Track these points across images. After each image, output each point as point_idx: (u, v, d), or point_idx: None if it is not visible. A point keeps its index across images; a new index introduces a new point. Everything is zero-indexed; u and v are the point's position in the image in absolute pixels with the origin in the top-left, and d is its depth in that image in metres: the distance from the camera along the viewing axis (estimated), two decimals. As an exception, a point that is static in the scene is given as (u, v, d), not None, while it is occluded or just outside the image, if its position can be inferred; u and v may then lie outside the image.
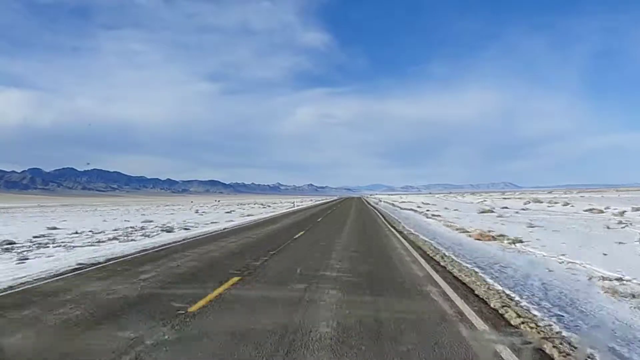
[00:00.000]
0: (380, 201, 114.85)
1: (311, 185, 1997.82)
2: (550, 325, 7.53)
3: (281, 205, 76.65)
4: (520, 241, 18.11)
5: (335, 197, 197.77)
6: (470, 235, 19.57)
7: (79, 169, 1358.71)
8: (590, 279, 11.32)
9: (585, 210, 38.68)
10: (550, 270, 12.44)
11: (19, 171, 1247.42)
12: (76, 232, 26.75)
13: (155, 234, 24.82)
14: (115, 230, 28.08)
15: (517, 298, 9.32)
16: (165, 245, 19.19)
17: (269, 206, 72.88)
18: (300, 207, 68.16)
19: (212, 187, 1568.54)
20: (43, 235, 25.14)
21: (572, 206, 44.58)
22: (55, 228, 30.67)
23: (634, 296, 9.51)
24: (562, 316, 8.12)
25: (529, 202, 59.83)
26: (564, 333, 7.13)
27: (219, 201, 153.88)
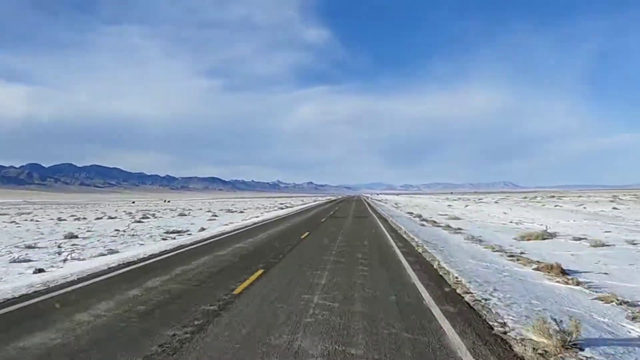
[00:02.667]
0: (386, 202, 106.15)
1: (311, 183, 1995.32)
2: None
3: (247, 215, 70.01)
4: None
5: (332, 198, 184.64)
6: None
7: (78, 165, 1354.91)
8: None
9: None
10: None
11: (17, 166, 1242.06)
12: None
13: None
14: None
15: None
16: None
17: (233, 211, 66.09)
18: (260, 220, 52.91)
19: (212, 184, 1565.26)
20: None
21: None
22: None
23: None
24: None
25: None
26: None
27: (168, 201, 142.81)
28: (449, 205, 58.35)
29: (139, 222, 36.59)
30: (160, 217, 44.45)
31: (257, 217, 39.26)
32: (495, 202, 66.15)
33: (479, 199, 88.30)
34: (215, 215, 43.14)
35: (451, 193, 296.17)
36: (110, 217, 44.33)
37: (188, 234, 24.87)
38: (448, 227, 27.41)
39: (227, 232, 25.75)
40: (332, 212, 44.12)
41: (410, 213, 41.55)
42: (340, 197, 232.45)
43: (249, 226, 29.93)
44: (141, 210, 61.85)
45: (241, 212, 50.70)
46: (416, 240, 20.07)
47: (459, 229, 26.16)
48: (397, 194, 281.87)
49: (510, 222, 30.68)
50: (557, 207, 47.12)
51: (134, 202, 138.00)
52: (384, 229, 26.71)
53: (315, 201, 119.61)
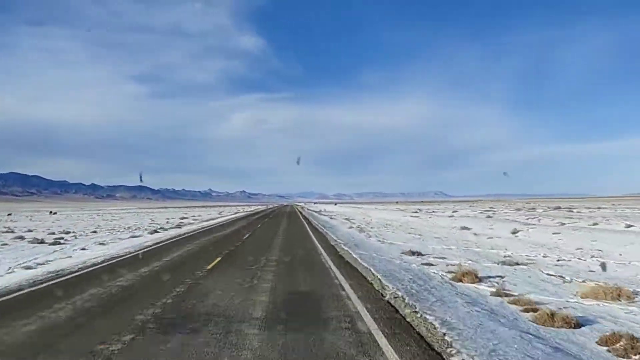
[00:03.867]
0: (331, 215, 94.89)
1: (244, 192, 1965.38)
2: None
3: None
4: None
5: (259, 208, 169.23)
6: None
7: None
8: None
9: None
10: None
11: None
12: None
13: None
14: None
15: None
16: None
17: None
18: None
19: (140, 192, 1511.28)
20: None
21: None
22: None
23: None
24: None
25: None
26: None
27: (54, 213, 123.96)
28: (385, 220, 50.00)
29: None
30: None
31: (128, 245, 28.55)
32: (453, 213, 58.24)
33: (432, 211, 79.95)
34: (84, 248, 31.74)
35: (397, 202, 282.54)
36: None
37: None
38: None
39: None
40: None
41: (353, 226, 32.85)
42: (271, 206, 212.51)
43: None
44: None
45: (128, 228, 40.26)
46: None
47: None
48: (335, 203, 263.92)
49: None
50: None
51: (53, 213, 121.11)
52: None
53: (235, 213, 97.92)
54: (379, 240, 26.16)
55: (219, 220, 58.40)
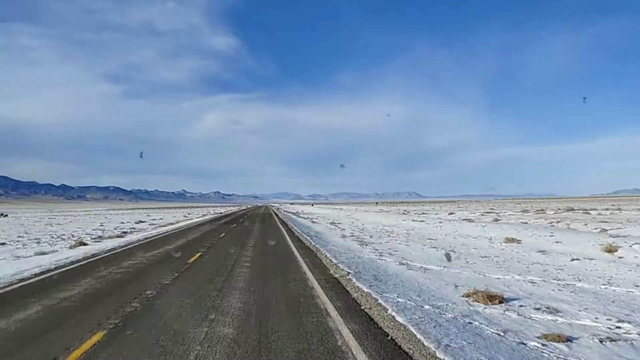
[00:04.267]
0: (312, 219, 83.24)
1: (218, 192, 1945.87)
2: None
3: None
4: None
5: (232, 209, 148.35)
6: None
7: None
8: None
9: None
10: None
11: None
12: None
13: None
14: None
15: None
16: None
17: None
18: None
19: (112, 193, 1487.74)
20: None
21: None
22: None
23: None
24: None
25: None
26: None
27: (4, 215, 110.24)
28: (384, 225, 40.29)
29: None
30: None
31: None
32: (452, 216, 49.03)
33: (422, 212, 70.15)
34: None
35: (376, 203, 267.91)
36: None
37: None
38: None
39: None
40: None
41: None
42: (244, 207, 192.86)
43: None
44: None
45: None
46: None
47: None
48: (312, 204, 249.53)
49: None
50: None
51: (4, 215, 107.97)
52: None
53: (204, 215, 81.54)
54: (401, 263, 16.35)
55: (180, 225, 47.75)
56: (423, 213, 65.79)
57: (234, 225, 45.60)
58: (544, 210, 58.23)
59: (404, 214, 63.67)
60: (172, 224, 49.96)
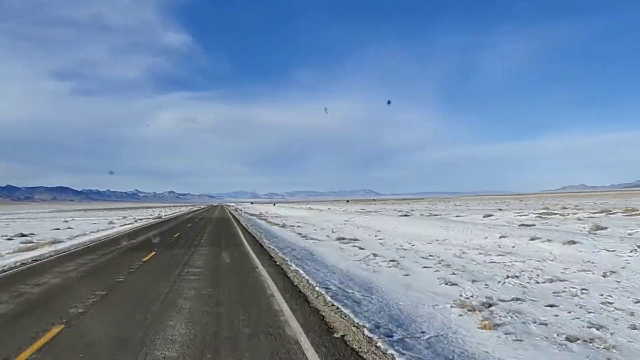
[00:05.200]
0: (262, 214, 71.29)
1: (172, 192, 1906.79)
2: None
3: None
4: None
5: (184, 210, 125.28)
6: None
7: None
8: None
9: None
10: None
11: None
12: None
13: None
14: None
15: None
16: None
17: None
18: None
19: (61, 194, 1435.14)
20: None
21: None
22: None
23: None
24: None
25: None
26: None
27: None
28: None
29: None
30: None
31: None
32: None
33: (405, 213, 54.24)
34: None
35: (347, 201, 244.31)
36: None
37: None
38: None
39: None
40: None
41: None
42: (196, 208, 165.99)
43: None
44: None
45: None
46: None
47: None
48: (274, 204, 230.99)
49: None
50: None
51: None
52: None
53: (145, 218, 66.89)
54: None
55: (107, 233, 35.40)
56: (405, 214, 50.55)
57: (174, 238, 30.45)
58: (552, 209, 48.89)
59: (406, 214, 50.16)
60: (97, 232, 36.89)
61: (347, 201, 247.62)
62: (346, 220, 44.22)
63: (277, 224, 43.81)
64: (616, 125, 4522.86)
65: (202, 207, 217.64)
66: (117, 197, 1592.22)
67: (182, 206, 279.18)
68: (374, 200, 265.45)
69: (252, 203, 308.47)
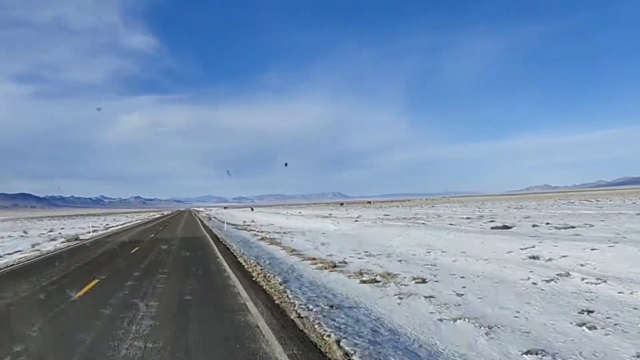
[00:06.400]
0: (246, 223, 58.07)
1: (138, 197, 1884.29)
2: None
3: None
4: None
5: (145, 218, 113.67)
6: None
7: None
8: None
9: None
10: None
11: None
12: None
13: None
14: None
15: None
16: None
17: None
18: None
19: (22, 201, 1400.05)
20: None
21: None
22: None
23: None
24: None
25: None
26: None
27: None
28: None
29: None
30: None
31: None
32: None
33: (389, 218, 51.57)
34: None
35: (341, 204, 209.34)
36: None
37: None
38: None
39: None
40: None
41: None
42: (157, 215, 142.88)
43: None
44: None
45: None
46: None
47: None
48: (252, 209, 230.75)
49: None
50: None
51: None
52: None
53: (89, 232, 46.12)
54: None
55: (21, 257, 23.64)
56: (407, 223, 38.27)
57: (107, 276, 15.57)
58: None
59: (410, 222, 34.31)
60: (12, 254, 25.63)
61: (342, 204, 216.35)
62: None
63: (280, 248, 23.34)
64: (579, 126, 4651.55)
65: (165, 213, 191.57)
66: (81, 203, 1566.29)
67: (150, 211, 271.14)
68: (369, 202, 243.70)
69: (225, 208, 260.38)
